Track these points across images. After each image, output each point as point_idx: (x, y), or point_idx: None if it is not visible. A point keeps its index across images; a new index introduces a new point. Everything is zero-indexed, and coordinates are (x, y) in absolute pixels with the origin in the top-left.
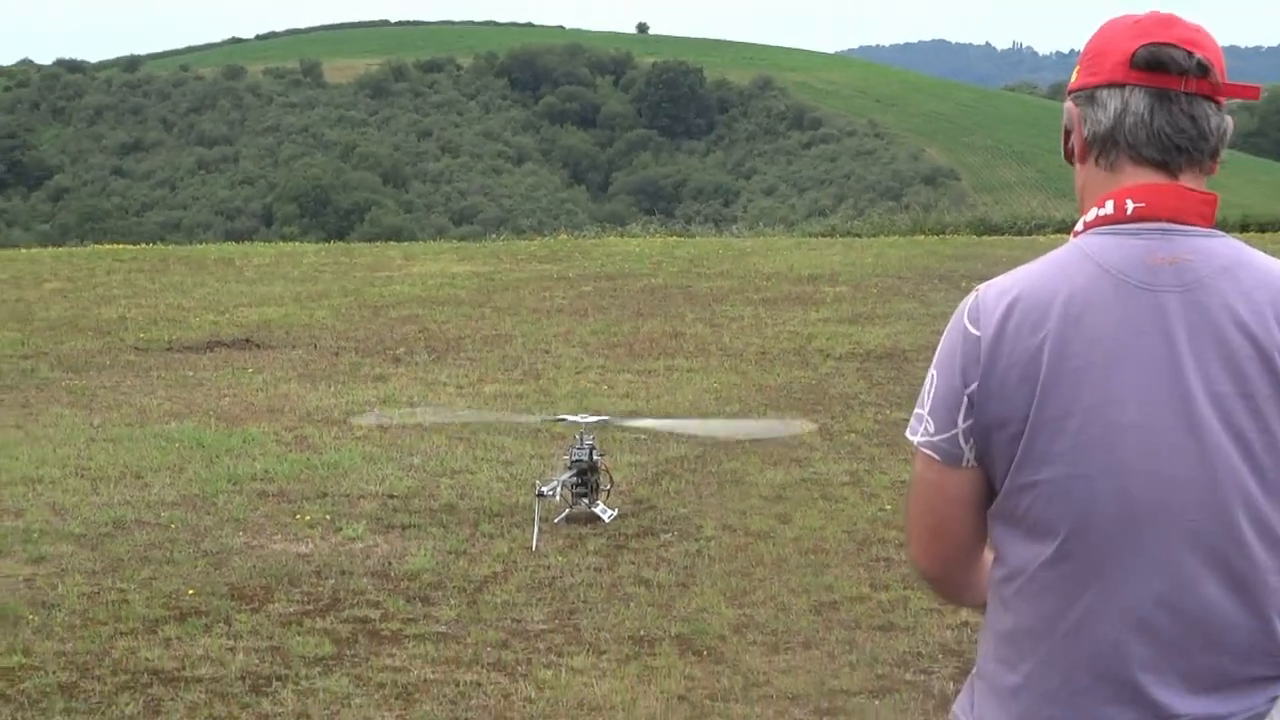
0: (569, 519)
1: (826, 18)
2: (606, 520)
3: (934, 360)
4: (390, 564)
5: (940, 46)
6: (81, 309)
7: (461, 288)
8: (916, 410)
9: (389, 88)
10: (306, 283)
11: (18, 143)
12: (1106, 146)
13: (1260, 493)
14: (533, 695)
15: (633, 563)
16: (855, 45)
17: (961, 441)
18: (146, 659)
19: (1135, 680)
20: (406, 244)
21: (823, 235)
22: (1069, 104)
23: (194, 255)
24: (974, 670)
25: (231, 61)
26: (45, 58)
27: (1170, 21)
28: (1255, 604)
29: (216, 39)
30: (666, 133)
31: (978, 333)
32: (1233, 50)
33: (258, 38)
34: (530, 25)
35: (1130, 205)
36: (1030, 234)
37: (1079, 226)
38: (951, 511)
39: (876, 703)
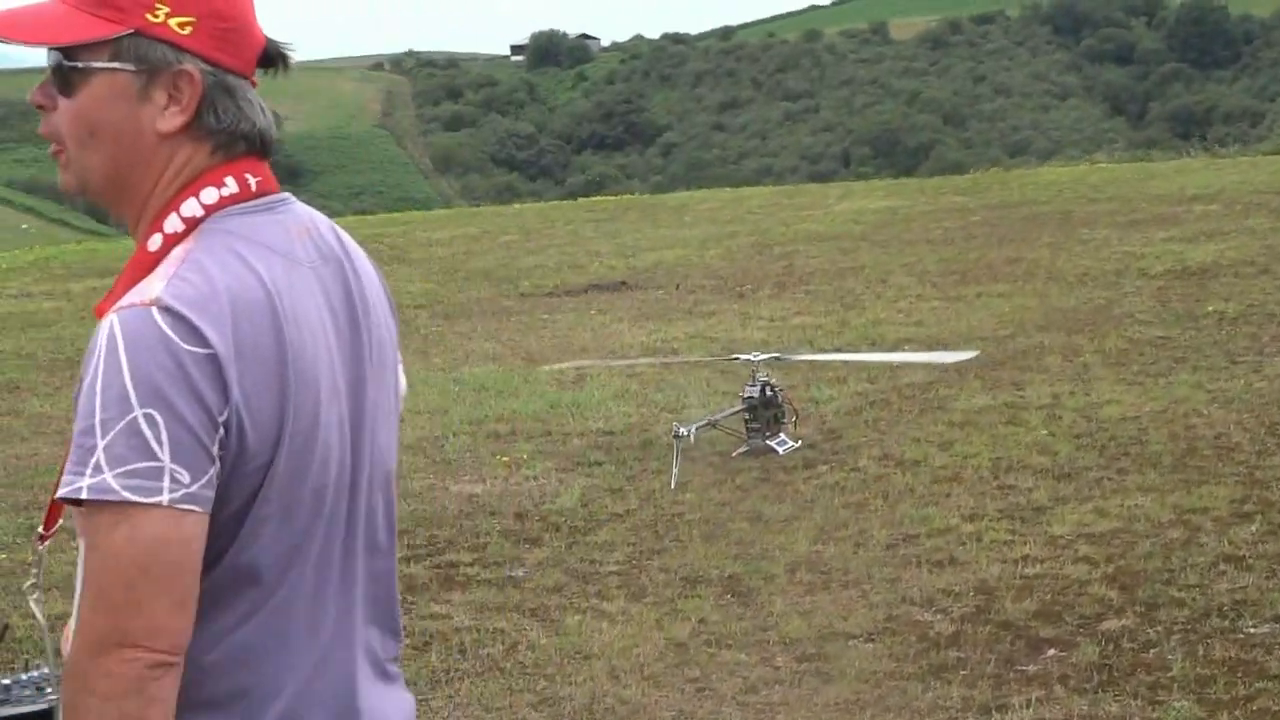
0: (751, 453)
1: None
2: (781, 453)
3: (126, 399)
4: (540, 503)
5: None
6: (507, 259)
7: (863, 223)
8: (137, 466)
9: (947, 40)
10: (728, 225)
11: (633, 107)
12: (234, 140)
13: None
14: (538, 642)
15: (765, 497)
16: None
17: (215, 480)
18: None
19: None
20: (846, 183)
21: None
22: (191, 67)
23: (650, 203)
24: None
25: (811, 26)
26: (653, 32)
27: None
28: None
29: (798, 7)
30: (1196, 65)
31: (210, 349)
32: None
33: (833, 4)
34: None
35: (253, 181)
36: None
37: (195, 210)
38: (196, 569)
39: (869, 646)
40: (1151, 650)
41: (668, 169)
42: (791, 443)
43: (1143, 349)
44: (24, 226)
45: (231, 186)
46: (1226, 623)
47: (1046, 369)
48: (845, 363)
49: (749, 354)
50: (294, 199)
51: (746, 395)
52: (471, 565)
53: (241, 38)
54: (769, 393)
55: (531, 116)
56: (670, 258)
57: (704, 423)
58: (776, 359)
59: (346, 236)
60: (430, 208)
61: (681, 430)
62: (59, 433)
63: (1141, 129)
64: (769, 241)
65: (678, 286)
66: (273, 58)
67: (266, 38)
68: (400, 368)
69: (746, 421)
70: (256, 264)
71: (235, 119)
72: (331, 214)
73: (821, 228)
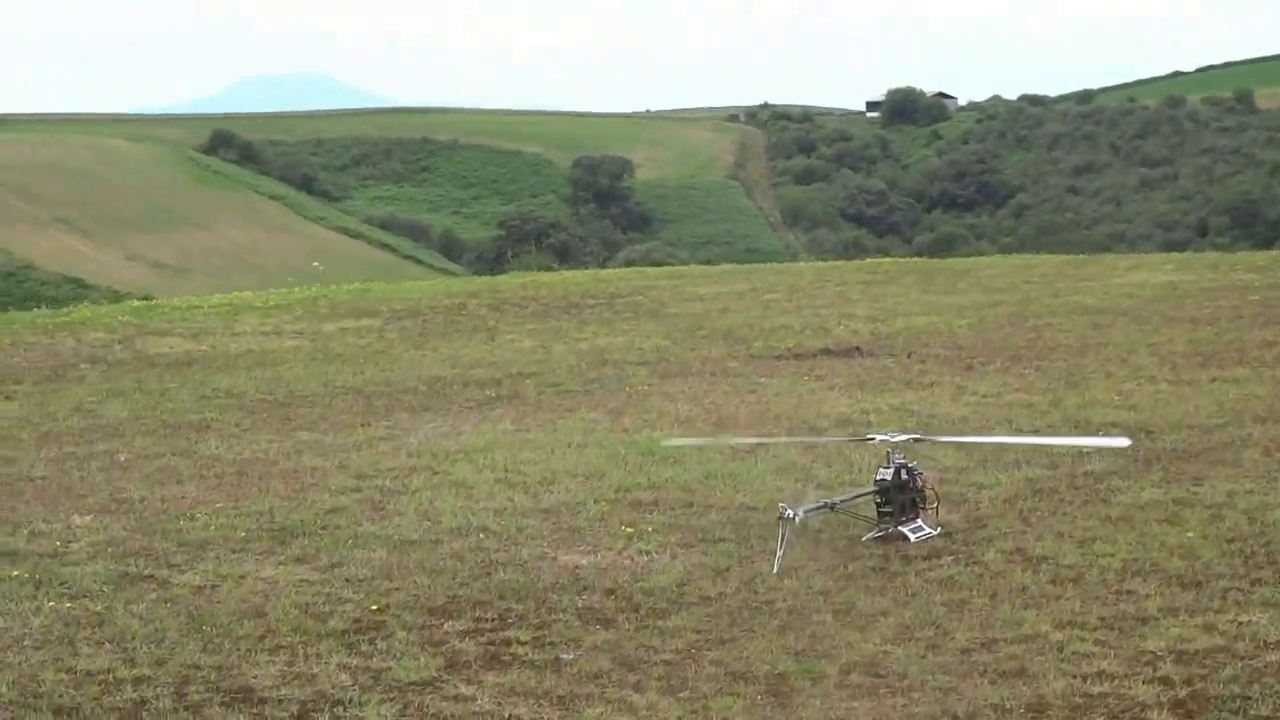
0: (883, 538)
1: None
2: (913, 540)
3: None
4: (637, 579)
5: None
6: (756, 319)
7: (1136, 297)
8: None
9: None
10: (998, 293)
11: (986, 167)
12: None
13: None
14: None
15: (867, 588)
16: None
17: None
18: (252, 677)
19: None
20: (1139, 255)
21: None
22: None
23: (932, 267)
24: None
25: (1173, 92)
26: (1011, 93)
27: None
28: None
29: (1160, 73)
30: None
31: None
32: None
33: (1197, 70)
34: None
35: None
36: None
37: None
38: None
39: None
40: None
41: (1018, 230)
42: (928, 530)
43: None
44: (316, 264)
45: None
46: None
47: (1239, 463)
48: (999, 445)
49: (885, 434)
50: None
51: (879, 478)
52: (525, 644)
53: None
54: (904, 475)
55: (883, 173)
56: (919, 324)
57: (818, 505)
58: (916, 440)
59: None
60: (776, 260)
61: (788, 512)
62: (218, 476)
63: None
64: (1028, 312)
65: (909, 355)
66: None
67: None
68: None
69: (878, 505)
70: None
71: None
72: (679, 262)
73: (1092, 300)
